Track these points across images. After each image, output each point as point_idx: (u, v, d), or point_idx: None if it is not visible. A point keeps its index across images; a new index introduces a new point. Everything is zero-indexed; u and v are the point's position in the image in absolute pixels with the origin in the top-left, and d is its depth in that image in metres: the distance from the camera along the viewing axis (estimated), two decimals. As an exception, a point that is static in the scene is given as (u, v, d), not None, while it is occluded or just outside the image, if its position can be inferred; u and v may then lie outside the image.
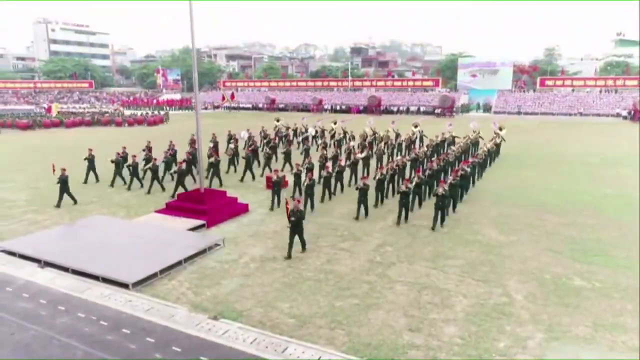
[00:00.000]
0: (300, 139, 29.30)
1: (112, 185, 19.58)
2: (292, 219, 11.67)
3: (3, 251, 12.15)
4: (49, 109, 62.27)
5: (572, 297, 9.73)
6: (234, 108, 72.58)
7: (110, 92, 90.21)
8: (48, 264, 11.23)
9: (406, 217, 14.74)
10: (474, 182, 19.22)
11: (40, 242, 12.32)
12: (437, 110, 60.91)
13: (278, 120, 32.81)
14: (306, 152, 24.04)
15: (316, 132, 30.50)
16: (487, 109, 64.49)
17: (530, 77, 75.34)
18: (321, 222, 14.82)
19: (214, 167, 19.53)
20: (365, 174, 19.64)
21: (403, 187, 14.59)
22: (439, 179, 16.92)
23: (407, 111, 65.61)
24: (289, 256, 11.75)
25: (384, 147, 24.50)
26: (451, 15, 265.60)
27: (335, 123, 31.91)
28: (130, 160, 19.53)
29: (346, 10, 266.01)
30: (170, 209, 15.38)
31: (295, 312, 9.12)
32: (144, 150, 21.77)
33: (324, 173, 17.10)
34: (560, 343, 8.04)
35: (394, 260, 11.64)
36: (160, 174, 19.47)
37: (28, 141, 36.18)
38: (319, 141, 28.12)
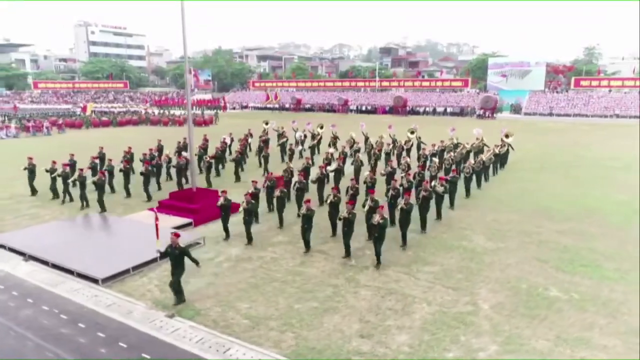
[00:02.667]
0: (279, 143, 25.96)
1: (62, 201, 17.34)
2: (171, 249, 9.30)
3: (-4, 244, 12.75)
4: (84, 108, 65.09)
5: (542, 308, 9.29)
6: (262, 108, 73.54)
7: (145, 92, 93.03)
8: (32, 258, 11.69)
9: (347, 252, 11.76)
10: (452, 203, 16.06)
11: (30, 237, 12.84)
12: (480, 112, 58.91)
13: (267, 123, 30.94)
14: (264, 161, 21.83)
15: (305, 136, 27.47)
16: (517, 110, 62.41)
17: (565, 78, 72.52)
18: (308, 223, 14.74)
19: (145, 178, 17.54)
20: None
21: (345, 213, 11.62)
22: (424, 200, 13.67)
23: (434, 112, 64.44)
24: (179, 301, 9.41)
25: (370, 156, 21.02)
26: (490, 14, 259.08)
27: (322, 127, 28.63)
28: (59, 170, 17.55)
29: (384, 10, 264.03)
30: (163, 208, 15.69)
31: (251, 313, 9.13)
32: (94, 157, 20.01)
33: (277, 192, 14.32)
34: (513, 356, 7.69)
35: (368, 264, 11.44)
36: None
37: (68, 139, 37.81)
38: (301, 147, 25.51)
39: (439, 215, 14.86)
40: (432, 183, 14.66)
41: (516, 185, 19.98)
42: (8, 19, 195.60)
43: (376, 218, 10.98)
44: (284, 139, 25.71)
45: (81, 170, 16.94)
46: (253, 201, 13.33)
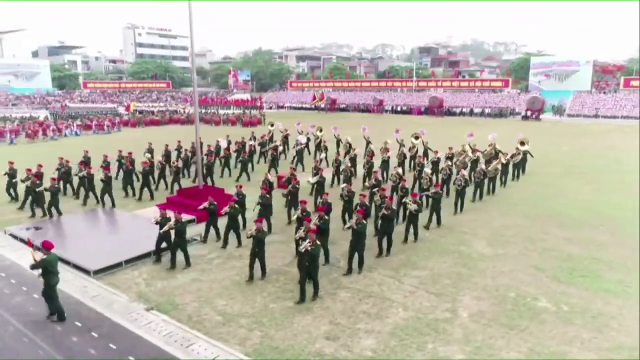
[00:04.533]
0: (268, 147, 24.35)
1: (24, 208, 16.22)
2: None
3: (11, 235, 13.56)
4: (127, 107, 68.16)
5: (525, 319, 8.90)
6: (298, 107, 74.31)
7: (187, 92, 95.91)
8: (37, 249, 12.33)
9: (302, 282, 9.62)
10: (438, 221, 14.17)
11: (40, 229, 13.57)
12: (526, 113, 56.59)
13: (272, 125, 29.95)
14: (242, 166, 20.44)
15: (308, 139, 25.62)
16: (559, 111, 59.67)
17: (615, 77, 68.74)
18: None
19: (106, 185, 16.50)
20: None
21: (301, 232, 10.43)
22: (385, 219, 11.82)
23: (471, 113, 62.79)
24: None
25: (365, 166, 18.87)
26: (541, 13, 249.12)
27: (320, 130, 26.35)
28: (23, 176, 16.25)
29: (429, 10, 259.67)
30: (170, 204, 16.17)
31: (226, 310, 9.27)
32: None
33: (225, 209, 12.41)
34: (478, 367, 7.43)
35: (354, 266, 11.30)
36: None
37: (126, 137, 39.61)
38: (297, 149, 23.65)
39: (415, 236, 12.98)
40: (405, 199, 13.22)
41: (534, 189, 19.18)
42: (64, 22, 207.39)
43: (305, 245, 9.24)
44: (275, 143, 24.06)
45: (35, 177, 16.03)
46: (183, 220, 11.49)
